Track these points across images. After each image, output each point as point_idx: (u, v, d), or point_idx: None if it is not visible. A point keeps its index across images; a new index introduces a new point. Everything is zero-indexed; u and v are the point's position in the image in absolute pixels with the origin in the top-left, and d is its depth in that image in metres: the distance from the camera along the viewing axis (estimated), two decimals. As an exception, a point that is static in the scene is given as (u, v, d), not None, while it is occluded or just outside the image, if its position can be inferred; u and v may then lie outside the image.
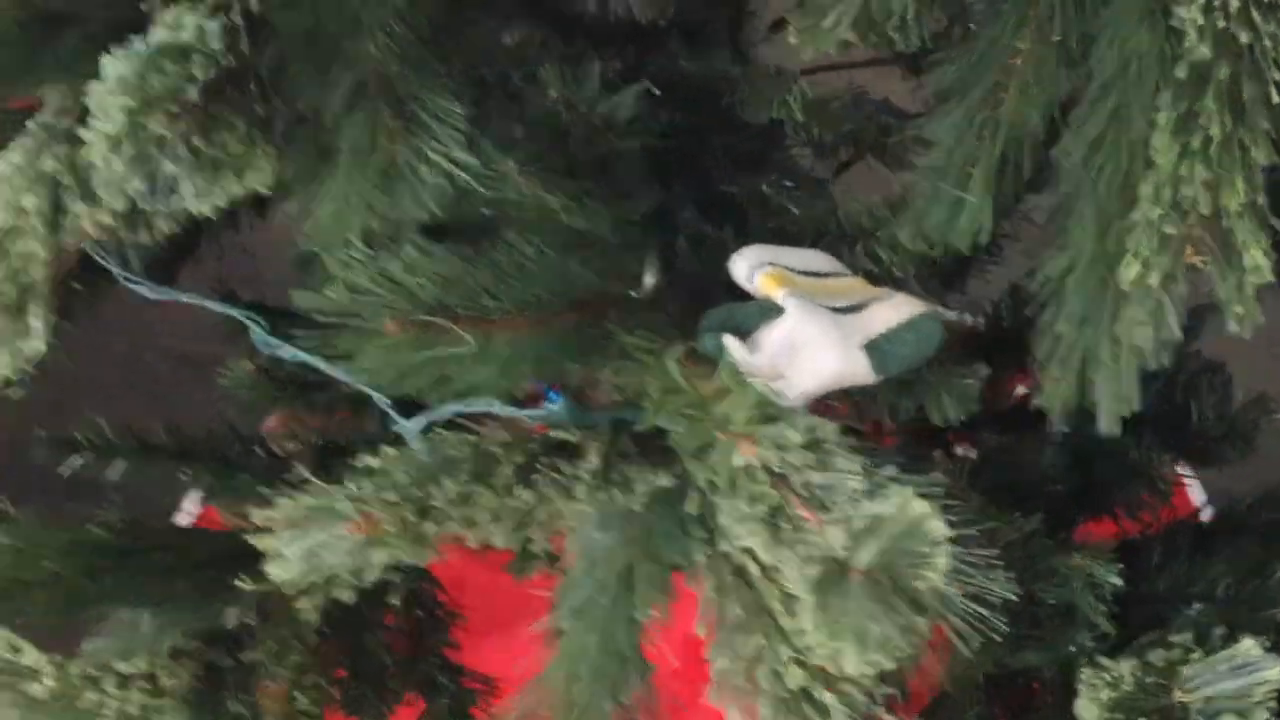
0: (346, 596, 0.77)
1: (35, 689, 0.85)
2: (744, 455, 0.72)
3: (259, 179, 0.73)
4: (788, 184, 0.98)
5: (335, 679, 0.94)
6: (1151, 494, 1.05)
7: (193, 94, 0.71)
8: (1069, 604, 0.90)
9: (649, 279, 0.88)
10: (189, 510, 1.71)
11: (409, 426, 0.88)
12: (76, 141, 0.78)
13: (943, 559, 0.72)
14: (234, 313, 0.94)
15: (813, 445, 0.74)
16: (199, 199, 0.71)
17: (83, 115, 0.79)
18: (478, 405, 0.84)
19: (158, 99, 0.70)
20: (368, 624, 0.96)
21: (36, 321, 0.77)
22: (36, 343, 0.76)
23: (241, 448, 1.04)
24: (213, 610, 0.92)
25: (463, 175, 0.74)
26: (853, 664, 0.73)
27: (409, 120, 0.75)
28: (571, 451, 0.81)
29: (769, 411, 0.74)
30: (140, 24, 0.78)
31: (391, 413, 0.89)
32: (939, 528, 0.72)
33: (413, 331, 0.77)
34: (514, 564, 0.94)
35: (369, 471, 0.79)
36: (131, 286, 0.89)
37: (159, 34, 0.73)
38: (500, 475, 0.78)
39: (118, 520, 0.95)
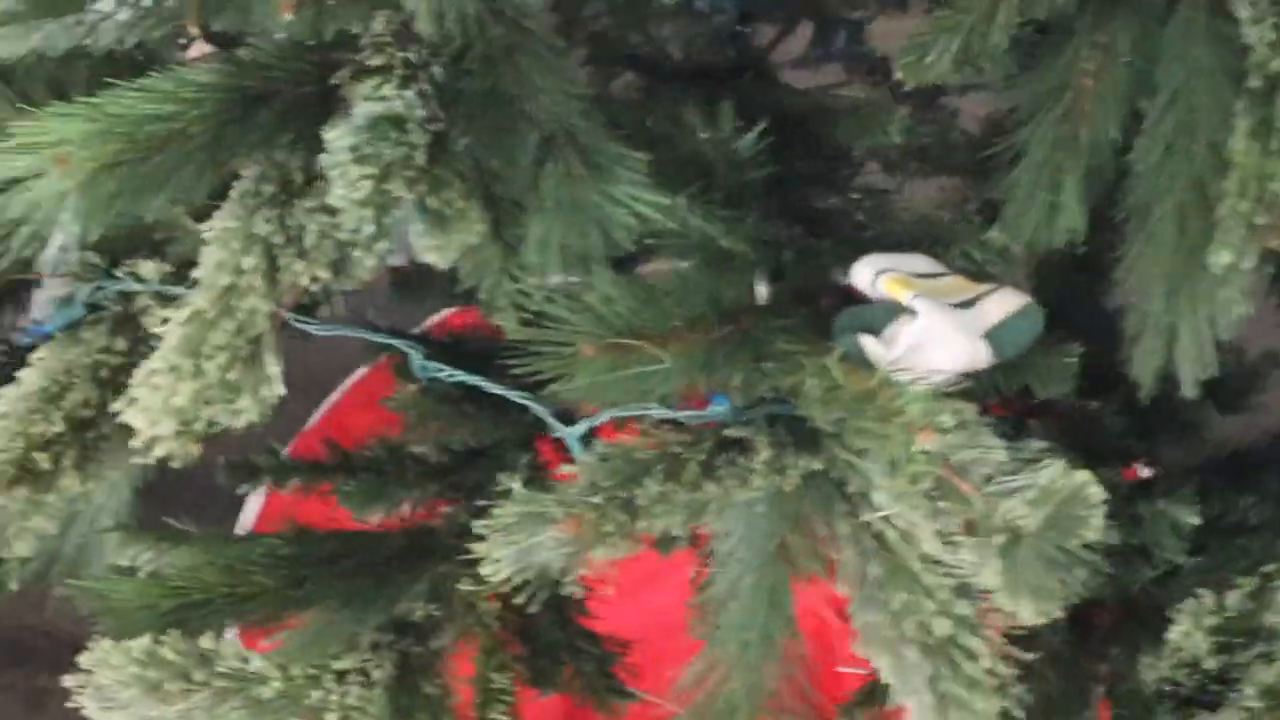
0: (573, 591, 0.78)
1: (263, 692, 0.85)
2: (924, 442, 0.74)
3: (476, 229, 0.74)
4: (856, 196, 1.01)
5: (517, 657, 0.95)
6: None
7: (421, 159, 0.72)
8: (1143, 543, 0.93)
9: (762, 289, 0.90)
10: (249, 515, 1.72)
11: (570, 433, 0.90)
12: (282, 205, 0.79)
13: (1098, 519, 0.75)
14: (394, 343, 0.94)
15: (962, 426, 0.76)
16: (438, 252, 0.71)
17: (284, 182, 0.80)
18: (635, 410, 0.85)
19: (395, 165, 0.70)
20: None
21: (274, 368, 0.77)
22: (276, 387, 0.76)
23: (392, 460, 1.04)
24: (394, 604, 0.93)
25: (648, 212, 0.75)
26: (1029, 616, 0.76)
27: (596, 168, 0.76)
28: (741, 445, 0.83)
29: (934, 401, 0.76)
30: (325, 98, 0.79)
31: (551, 420, 0.91)
32: (1097, 493, 0.74)
33: (608, 353, 0.78)
34: (660, 543, 0.96)
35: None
36: (300, 326, 0.89)
37: (374, 107, 0.73)
38: (689, 472, 0.80)
39: (290, 530, 0.95)
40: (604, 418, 0.88)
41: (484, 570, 0.79)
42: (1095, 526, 0.75)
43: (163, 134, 0.73)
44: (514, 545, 0.78)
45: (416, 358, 0.93)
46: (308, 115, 0.79)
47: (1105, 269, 1.02)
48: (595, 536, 0.77)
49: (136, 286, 0.91)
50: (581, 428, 0.89)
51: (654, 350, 0.78)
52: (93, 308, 0.92)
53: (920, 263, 0.89)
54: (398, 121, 0.73)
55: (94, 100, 0.73)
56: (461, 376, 0.91)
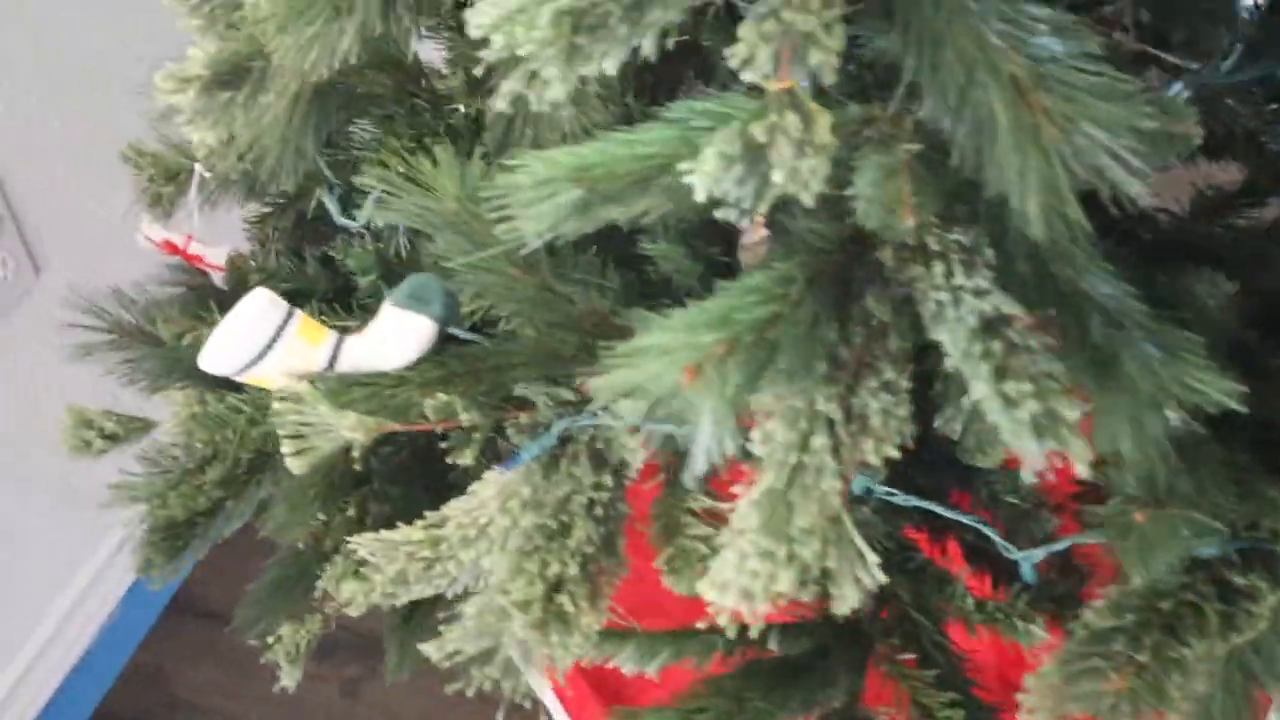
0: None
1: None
2: None
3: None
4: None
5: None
6: None
7: (1049, 364, 0.59)
8: None
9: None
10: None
11: (1024, 557, 0.79)
12: (839, 384, 0.66)
13: None
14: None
15: None
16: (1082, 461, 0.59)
17: (831, 359, 0.67)
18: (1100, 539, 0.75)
19: (1040, 375, 0.58)
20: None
21: (869, 553, 0.64)
22: (877, 574, 0.64)
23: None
24: (836, 699, 0.82)
25: (1220, 398, 0.63)
26: None
27: (1165, 350, 0.64)
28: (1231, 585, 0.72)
29: None
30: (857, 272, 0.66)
31: (1003, 543, 0.80)
32: None
33: (1151, 517, 0.67)
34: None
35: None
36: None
37: (976, 306, 0.61)
38: (1212, 624, 0.69)
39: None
40: (1065, 544, 0.77)
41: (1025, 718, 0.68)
42: None
43: (774, 336, 0.60)
44: (1059, 695, 0.68)
45: (870, 483, 0.81)
46: (841, 291, 0.66)
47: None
48: (1152, 697, 0.66)
49: (612, 421, 0.77)
50: (1039, 553, 0.78)
51: (1202, 518, 0.67)
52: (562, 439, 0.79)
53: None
54: (1005, 320, 0.60)
55: (712, 305, 0.60)
56: (916, 502, 0.80)
